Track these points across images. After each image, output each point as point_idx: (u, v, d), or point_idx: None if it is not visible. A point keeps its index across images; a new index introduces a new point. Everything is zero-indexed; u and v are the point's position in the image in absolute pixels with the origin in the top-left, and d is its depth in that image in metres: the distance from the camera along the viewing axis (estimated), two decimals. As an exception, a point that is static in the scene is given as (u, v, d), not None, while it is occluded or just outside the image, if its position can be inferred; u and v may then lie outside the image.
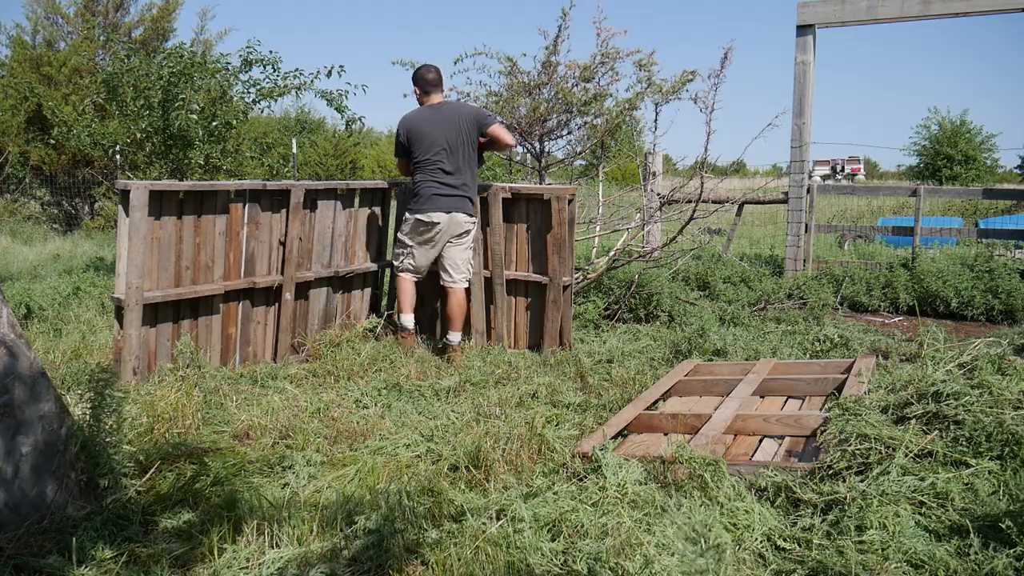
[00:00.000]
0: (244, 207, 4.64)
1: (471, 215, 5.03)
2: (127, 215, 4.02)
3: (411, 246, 5.06)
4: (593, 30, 6.11)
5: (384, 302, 5.62)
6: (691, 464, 2.79)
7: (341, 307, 5.39)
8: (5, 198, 13.84)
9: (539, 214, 5.11)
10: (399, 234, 5.19)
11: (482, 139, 5.06)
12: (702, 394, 4.13)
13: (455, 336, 5.06)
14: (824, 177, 22.11)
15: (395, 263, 5.19)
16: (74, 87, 12.80)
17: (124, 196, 4.02)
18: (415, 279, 5.14)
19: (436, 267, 5.16)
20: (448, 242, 5.03)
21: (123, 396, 2.95)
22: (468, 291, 5.22)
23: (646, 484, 2.77)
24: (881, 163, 43.11)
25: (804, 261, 8.01)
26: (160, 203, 4.20)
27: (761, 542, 2.38)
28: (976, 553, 2.15)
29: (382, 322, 5.26)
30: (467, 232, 5.05)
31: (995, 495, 2.41)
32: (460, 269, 5.07)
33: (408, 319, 5.08)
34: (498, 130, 4.97)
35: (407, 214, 5.10)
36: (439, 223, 4.93)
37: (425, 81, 5.02)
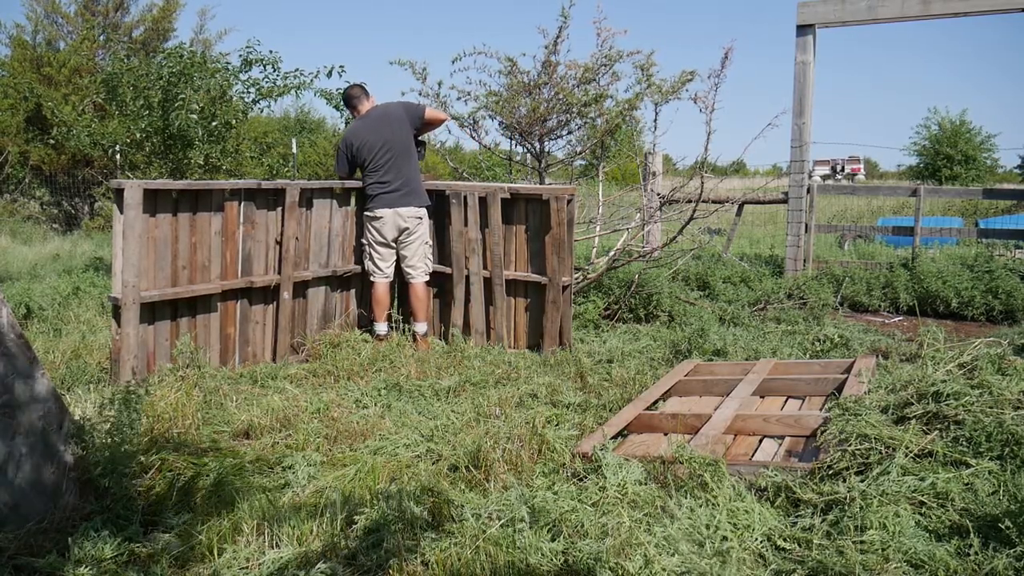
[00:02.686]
0: (240, 206, 4.64)
1: (417, 206, 5.24)
2: (122, 213, 4.02)
3: (367, 244, 5.30)
4: (593, 30, 6.11)
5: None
6: (691, 464, 2.79)
7: (340, 307, 5.39)
8: (5, 198, 13.83)
9: (538, 214, 5.11)
10: (362, 238, 5.40)
11: (418, 130, 5.31)
12: (702, 394, 4.12)
13: (420, 327, 5.30)
14: (824, 177, 22.07)
15: (364, 265, 5.40)
16: (74, 87, 12.79)
17: (119, 195, 4.03)
18: (386, 281, 5.31)
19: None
20: (400, 240, 5.23)
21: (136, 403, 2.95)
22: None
23: (646, 484, 2.77)
24: (881, 163, 43.04)
25: (804, 261, 8.00)
26: (155, 202, 4.19)
27: (761, 542, 2.38)
28: (976, 553, 2.15)
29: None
30: (415, 226, 5.24)
31: (995, 495, 2.41)
32: (416, 265, 5.30)
33: (382, 327, 5.28)
34: (432, 113, 5.36)
35: (364, 215, 5.35)
36: (382, 217, 5.19)
37: (351, 97, 5.40)
